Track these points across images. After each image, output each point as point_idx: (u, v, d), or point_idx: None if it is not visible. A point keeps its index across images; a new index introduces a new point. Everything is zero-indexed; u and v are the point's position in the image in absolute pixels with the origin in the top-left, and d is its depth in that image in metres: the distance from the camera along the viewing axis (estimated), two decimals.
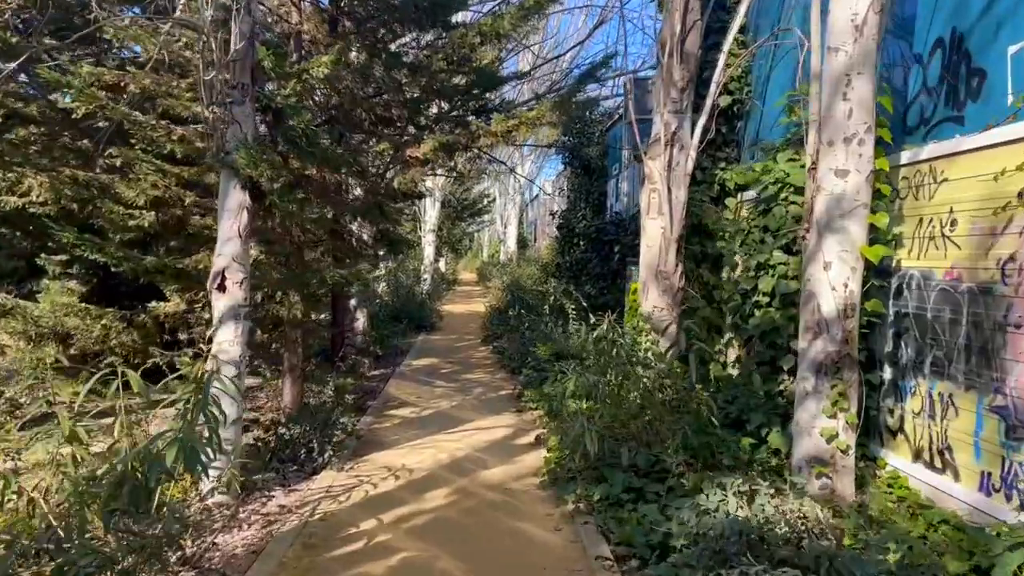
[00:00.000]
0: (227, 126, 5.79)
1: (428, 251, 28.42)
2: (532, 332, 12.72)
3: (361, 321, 12.52)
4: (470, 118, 8.02)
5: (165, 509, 4.36)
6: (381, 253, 23.61)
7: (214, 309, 5.78)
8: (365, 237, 11.70)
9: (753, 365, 6.42)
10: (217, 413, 4.57)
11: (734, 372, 8.74)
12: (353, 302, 12.44)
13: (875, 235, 4.99)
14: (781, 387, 6.19)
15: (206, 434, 4.44)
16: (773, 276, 6.07)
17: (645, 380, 6.28)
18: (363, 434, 7.87)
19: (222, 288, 5.72)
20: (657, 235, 8.00)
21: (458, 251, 49.53)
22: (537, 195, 37.34)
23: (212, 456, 4.36)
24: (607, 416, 5.87)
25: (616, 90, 16.13)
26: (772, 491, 4.15)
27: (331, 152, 6.34)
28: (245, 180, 5.78)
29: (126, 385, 4.49)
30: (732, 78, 8.72)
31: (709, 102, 7.86)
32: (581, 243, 17.50)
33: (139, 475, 3.71)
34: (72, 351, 8.94)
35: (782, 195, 6.10)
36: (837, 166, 4.57)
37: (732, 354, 8.95)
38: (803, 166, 6.16)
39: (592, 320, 9.83)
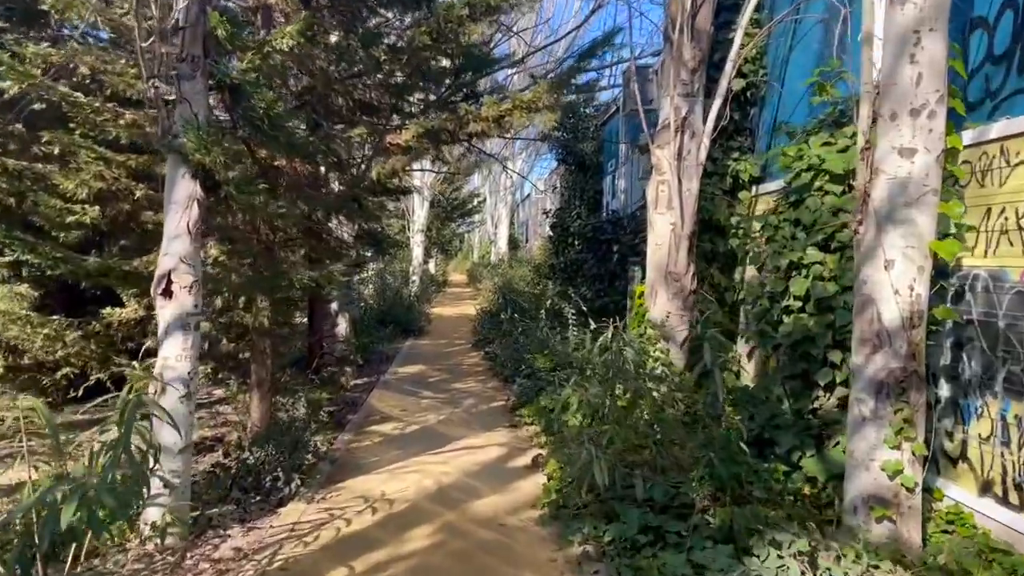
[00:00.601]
0: (174, 105, 4.96)
1: (417, 252, 27.59)
2: (526, 338, 11.91)
3: (343, 326, 11.67)
4: (458, 101, 7.19)
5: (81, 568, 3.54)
6: (366, 253, 22.77)
7: (159, 318, 4.93)
8: (346, 236, 10.88)
9: (781, 378, 5.64)
10: (144, 446, 3.73)
11: (750, 383, 7.97)
12: (334, 306, 11.58)
13: (941, 228, 4.22)
14: (815, 404, 5.40)
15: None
16: (807, 277, 5.29)
17: (659, 397, 5.49)
18: (339, 456, 7.04)
19: (168, 293, 4.88)
20: (666, 232, 7.22)
21: (448, 252, 48.71)
22: (529, 194, 36.57)
23: (136, 504, 3.53)
24: (617, 440, 5.06)
25: (614, 80, 15.36)
26: (836, 550, 3.36)
27: (299, 138, 5.51)
28: (195, 167, 4.94)
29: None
30: (746, 60, 7.94)
31: (724, 83, 7.08)
32: (576, 243, 16.73)
33: (28, 536, 2.88)
34: (26, 360, 8.12)
35: (816, 184, 5.32)
36: (902, 144, 3.78)
37: (748, 364, 8.17)
38: (841, 150, 5.38)
39: (592, 326, 9.06)
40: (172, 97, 4.98)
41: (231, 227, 6.52)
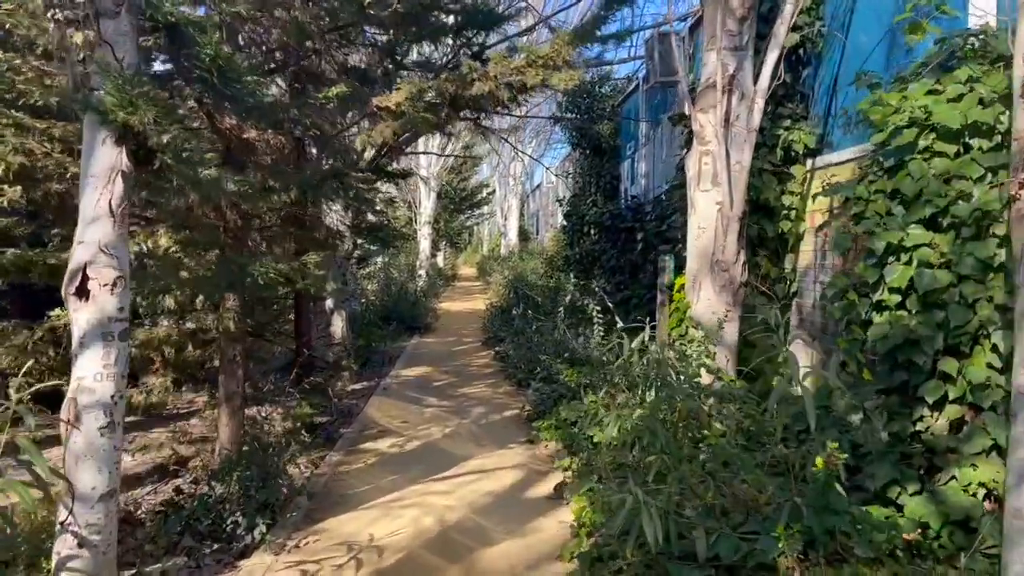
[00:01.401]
0: (92, 50, 3.83)
1: (424, 245, 26.50)
2: (541, 336, 10.76)
3: (339, 326, 10.58)
4: (461, 58, 6.04)
5: None
6: (372, 247, 21.65)
7: (73, 324, 3.81)
8: (339, 226, 9.75)
9: (873, 393, 4.46)
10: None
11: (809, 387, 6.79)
12: (329, 304, 10.49)
13: None
14: (920, 427, 4.22)
15: None
16: (909, 264, 4.12)
17: (722, 419, 4.33)
18: (324, 482, 5.92)
19: (83, 293, 3.75)
20: (711, 213, 6.03)
21: (457, 245, 47.63)
22: (539, 184, 35.36)
23: None
24: (671, 479, 3.90)
25: (636, 50, 14.11)
26: None
27: (257, 92, 4.38)
28: (119, 130, 3.82)
29: None
30: (801, 10, 6.73)
31: (783, 30, 5.87)
32: (592, 232, 15.56)
33: None
34: None
35: (921, 144, 4.14)
36: None
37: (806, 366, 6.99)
38: (952, 99, 4.18)
39: (620, 324, 7.91)
40: (92, 41, 3.86)
41: (188, 212, 5.39)
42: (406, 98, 5.20)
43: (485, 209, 43.99)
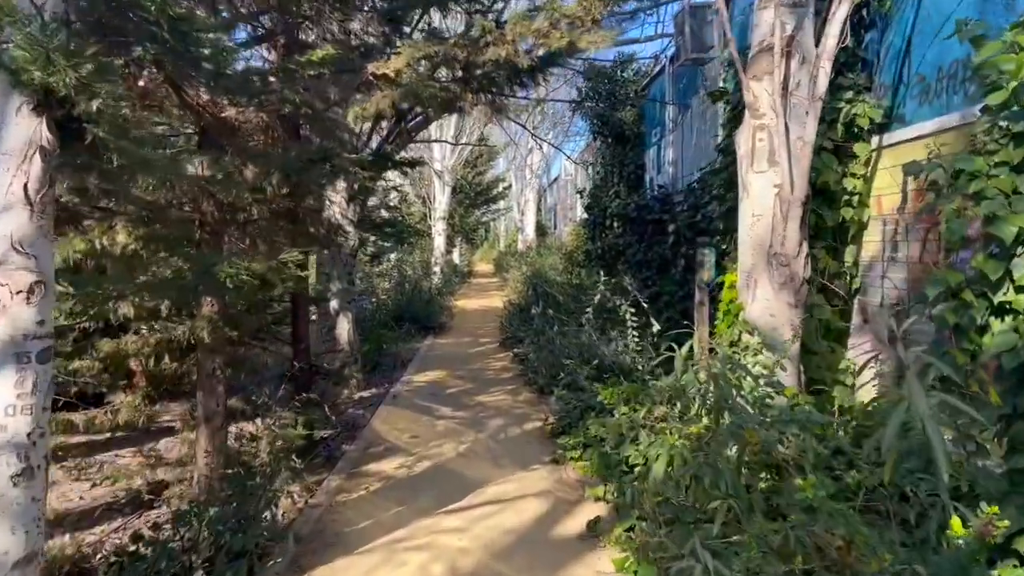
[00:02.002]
0: None
1: (438, 241, 25.71)
2: (564, 338, 9.89)
3: (345, 329, 9.77)
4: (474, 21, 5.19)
5: None
6: (385, 243, 20.86)
7: None
8: (340, 220, 8.94)
9: (995, 416, 3.56)
10: None
11: (872, 403, 5.89)
12: (333, 305, 9.69)
13: None
14: None
15: None
16: None
17: (802, 454, 3.45)
18: (315, 519, 5.09)
19: None
20: (768, 197, 5.14)
21: (473, 241, 46.87)
22: (557, 178, 34.43)
23: None
24: (751, 539, 3.02)
25: (664, 27, 13.16)
26: None
27: (224, 55, 3.55)
28: (37, 94, 3.02)
29: None
30: None
31: None
32: (615, 225, 14.67)
33: None
34: None
35: None
36: None
37: (865, 380, 6.08)
38: None
39: (656, 328, 7.04)
40: None
41: (154, 202, 4.58)
42: (407, 64, 4.37)
43: (501, 204, 43.15)
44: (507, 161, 41.76)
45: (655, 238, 12.48)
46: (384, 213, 25.99)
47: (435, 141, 11.28)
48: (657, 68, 14.24)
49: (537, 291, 14.63)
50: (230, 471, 5.34)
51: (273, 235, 5.85)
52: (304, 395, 6.18)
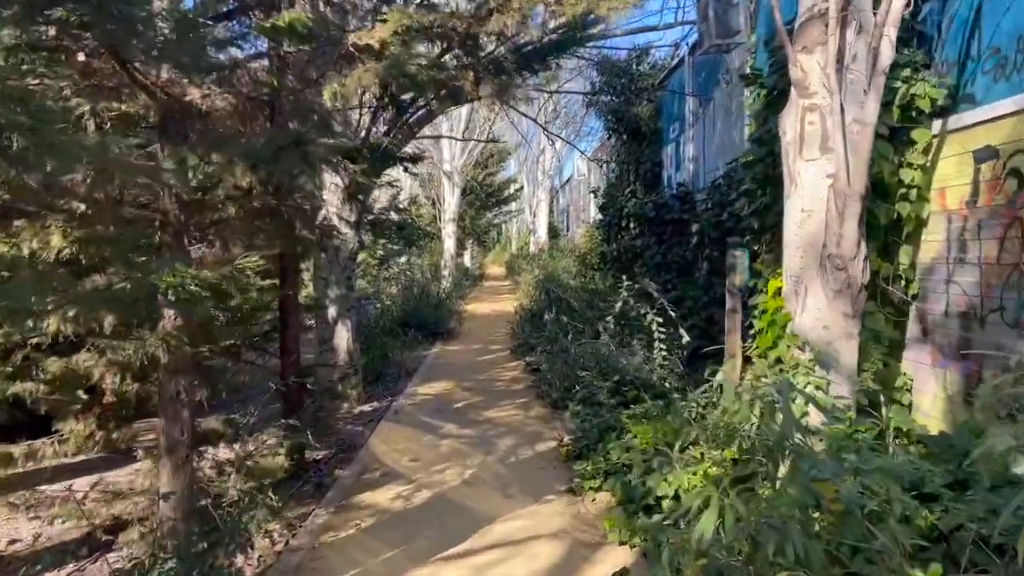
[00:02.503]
0: None
1: (448, 243, 25.05)
2: (579, 347, 9.16)
3: (344, 338, 9.07)
4: None
5: None
6: (394, 246, 20.18)
7: None
8: (335, 220, 8.27)
9: None
10: None
11: (939, 426, 5.14)
12: (332, 312, 9.00)
13: None
14: None
15: None
16: None
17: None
18: (293, 568, 4.40)
19: None
20: (820, 190, 4.39)
21: (484, 244, 46.21)
22: (569, 179, 33.68)
23: None
24: None
25: (685, 14, 12.40)
26: None
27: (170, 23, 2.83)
28: None
29: None
30: None
31: None
32: (631, 226, 13.91)
33: None
34: None
35: None
36: None
37: (925, 395, 5.32)
38: None
39: (685, 339, 6.30)
40: None
41: (98, 198, 3.90)
42: (393, 32, 3.67)
43: (513, 206, 42.48)
44: (519, 163, 41.11)
45: (675, 239, 11.74)
46: (394, 215, 25.45)
47: (441, 136, 10.55)
48: (676, 60, 13.48)
49: (550, 296, 13.89)
50: (204, 502, 4.68)
51: (251, 237, 5.17)
52: (294, 414, 5.47)
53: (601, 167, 17.10)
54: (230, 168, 3.64)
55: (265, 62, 4.71)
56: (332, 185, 8.50)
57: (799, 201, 4.48)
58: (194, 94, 4.22)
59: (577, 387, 8.13)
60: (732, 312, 6.67)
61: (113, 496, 4.63)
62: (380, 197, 31.56)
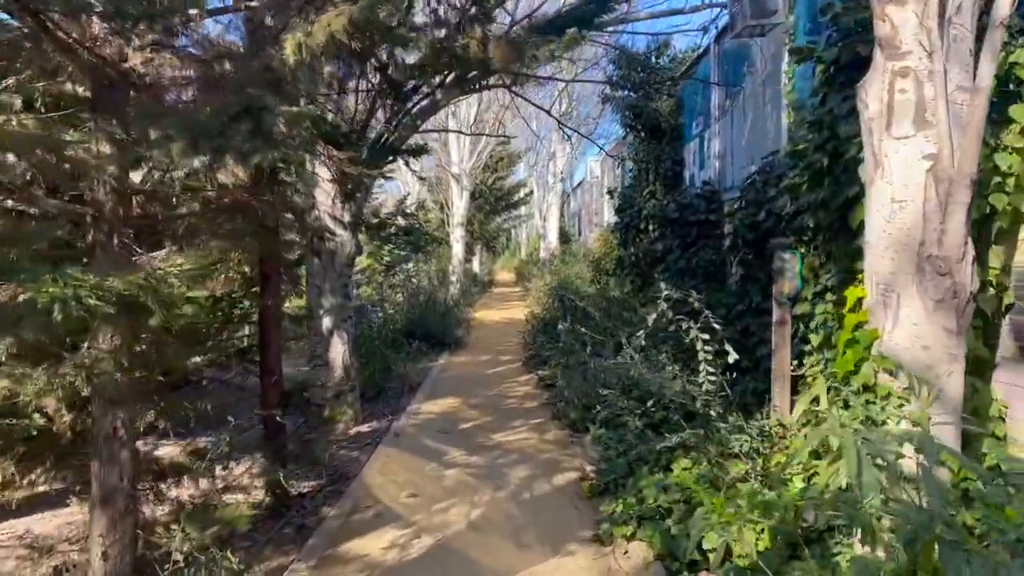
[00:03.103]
0: None
1: (456, 248, 24.19)
2: (600, 359, 8.28)
3: (339, 351, 8.20)
4: None
5: None
6: (400, 252, 19.35)
7: None
8: (328, 221, 7.45)
9: None
10: None
11: None
12: (327, 323, 8.15)
13: None
14: None
15: None
16: None
17: None
18: None
19: None
20: (917, 174, 3.49)
21: (493, 249, 45.40)
22: (581, 182, 32.80)
23: None
24: None
25: None
26: None
27: None
28: None
29: None
30: None
31: None
32: (651, 229, 13.05)
33: None
34: None
35: None
36: None
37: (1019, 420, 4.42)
38: None
39: (733, 358, 5.41)
40: None
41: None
42: None
43: (523, 210, 41.66)
44: (528, 167, 40.28)
45: (701, 242, 10.84)
46: (401, 220, 24.64)
47: (448, 131, 9.69)
48: (699, 51, 12.60)
49: (564, 304, 13.00)
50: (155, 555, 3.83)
51: (218, 238, 4.31)
52: (276, 441, 4.63)
53: (619, 164, 16.22)
54: (167, 145, 2.79)
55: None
56: (326, 183, 7.67)
57: (887, 189, 3.58)
58: (134, 59, 3.38)
59: (598, 407, 7.27)
60: (780, 325, 5.77)
61: (40, 552, 3.77)
62: (387, 202, 30.83)
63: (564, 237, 34.00)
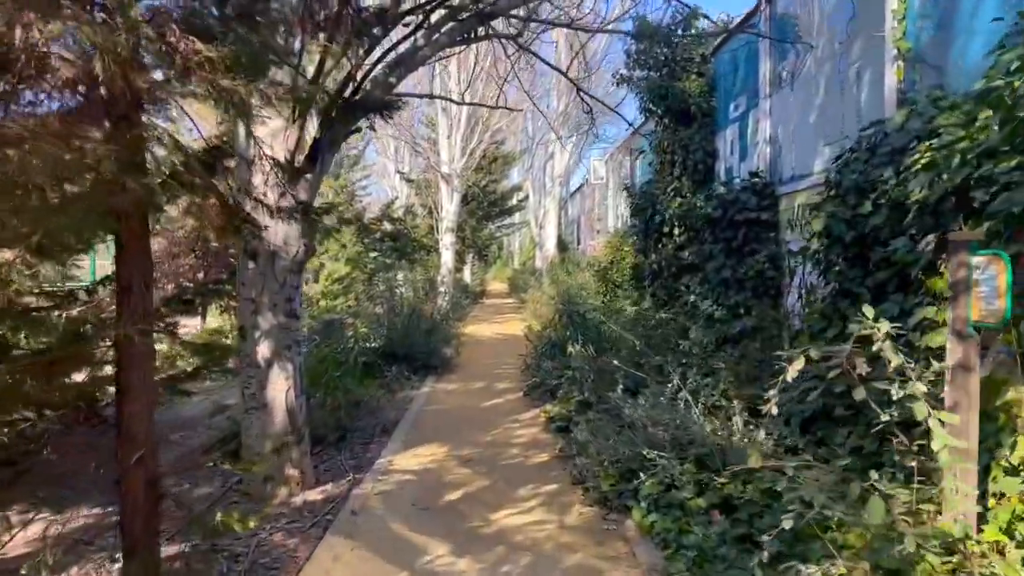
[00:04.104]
0: None
1: (446, 256, 22.00)
2: (643, 401, 6.07)
3: (281, 389, 5.95)
4: None
5: None
6: (375, 259, 17.13)
7: None
8: (262, 212, 5.21)
9: None
10: None
11: None
12: (263, 351, 5.90)
13: None
14: None
15: None
16: None
17: None
18: None
19: None
20: None
21: (485, 258, 43.25)
22: (581, 186, 30.66)
23: None
24: None
25: None
26: None
27: None
28: None
29: None
30: None
31: None
32: (677, 232, 10.91)
33: None
34: None
35: None
36: None
37: None
38: None
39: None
40: None
41: None
42: None
43: (516, 217, 39.57)
44: (523, 171, 38.22)
45: (750, 246, 8.68)
46: (387, 225, 22.44)
47: (433, 96, 7.48)
48: (740, 17, 10.46)
49: (573, 322, 10.78)
50: None
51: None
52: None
53: (636, 157, 14.05)
54: None
55: None
56: (263, 156, 5.47)
57: None
58: None
59: (643, 475, 5.10)
60: (962, 369, 3.58)
61: None
62: (371, 206, 28.61)
63: (562, 245, 31.89)
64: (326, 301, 16.62)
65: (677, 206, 11.15)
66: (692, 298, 10.55)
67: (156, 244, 13.87)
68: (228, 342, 10.25)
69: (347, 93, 5.50)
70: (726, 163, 10.86)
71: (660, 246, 11.51)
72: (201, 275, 12.88)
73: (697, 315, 9.19)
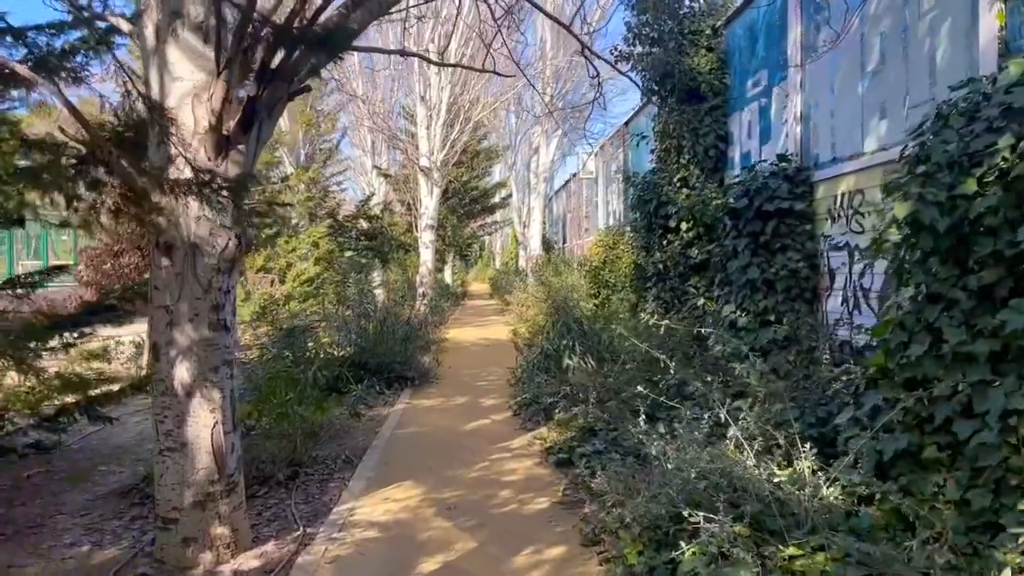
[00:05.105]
0: None
1: (425, 255, 20.58)
2: (671, 437, 4.74)
3: (206, 424, 4.56)
4: None
5: None
6: (342, 260, 15.71)
7: None
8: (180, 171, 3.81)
9: None
10: None
11: None
12: (182, 374, 4.48)
13: None
14: None
15: None
16: None
17: None
18: None
19: None
20: None
21: (467, 258, 41.88)
22: (567, 182, 29.33)
23: None
24: None
25: None
26: None
27: None
28: None
29: None
30: None
31: None
32: (684, 228, 9.63)
33: None
34: None
35: None
36: None
37: None
38: None
39: None
40: None
41: None
42: None
43: (499, 215, 38.21)
44: (506, 168, 36.90)
45: (781, 240, 7.37)
46: (364, 223, 20.98)
47: (404, 53, 6.19)
48: None
49: (571, 330, 9.43)
50: None
51: None
52: None
53: (636, 144, 12.73)
54: None
55: None
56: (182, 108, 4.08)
57: None
58: None
59: (682, 543, 3.79)
60: None
61: None
62: (347, 204, 27.12)
63: (546, 245, 30.56)
64: (294, 304, 15.23)
65: (684, 198, 9.87)
66: (702, 302, 9.28)
67: (96, 242, 12.40)
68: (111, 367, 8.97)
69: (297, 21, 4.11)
70: (742, 148, 9.57)
71: (665, 243, 10.22)
72: (148, 275, 11.48)
73: (717, 322, 7.89)
